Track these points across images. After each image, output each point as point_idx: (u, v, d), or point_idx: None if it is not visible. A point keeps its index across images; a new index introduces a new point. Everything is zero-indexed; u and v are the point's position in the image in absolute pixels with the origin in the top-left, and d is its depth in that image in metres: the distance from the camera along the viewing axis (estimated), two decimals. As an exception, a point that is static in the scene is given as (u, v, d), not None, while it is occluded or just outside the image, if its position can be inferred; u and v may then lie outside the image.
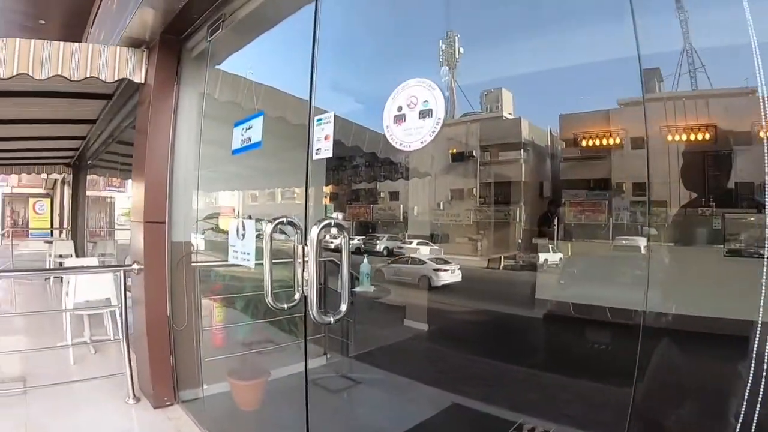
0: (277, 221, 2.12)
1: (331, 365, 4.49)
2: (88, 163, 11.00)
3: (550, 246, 5.82)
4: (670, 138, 3.89)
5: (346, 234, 1.92)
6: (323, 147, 2.19)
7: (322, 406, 2.88)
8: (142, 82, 3.95)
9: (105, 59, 3.78)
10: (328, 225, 1.87)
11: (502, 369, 4.74)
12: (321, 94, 2.49)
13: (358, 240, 8.92)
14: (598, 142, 4.90)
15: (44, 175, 18.84)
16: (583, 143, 5.15)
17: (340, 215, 8.58)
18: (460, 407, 3.97)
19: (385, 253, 8.62)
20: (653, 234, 4.21)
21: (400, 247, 8.52)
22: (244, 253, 2.66)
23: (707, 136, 3.71)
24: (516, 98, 6.74)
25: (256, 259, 2.58)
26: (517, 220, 6.72)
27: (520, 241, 6.68)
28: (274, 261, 2.18)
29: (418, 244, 8.09)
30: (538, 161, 6.65)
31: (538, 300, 5.49)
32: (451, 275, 7.09)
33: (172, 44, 3.88)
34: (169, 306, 3.95)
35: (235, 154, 2.97)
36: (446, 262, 7.24)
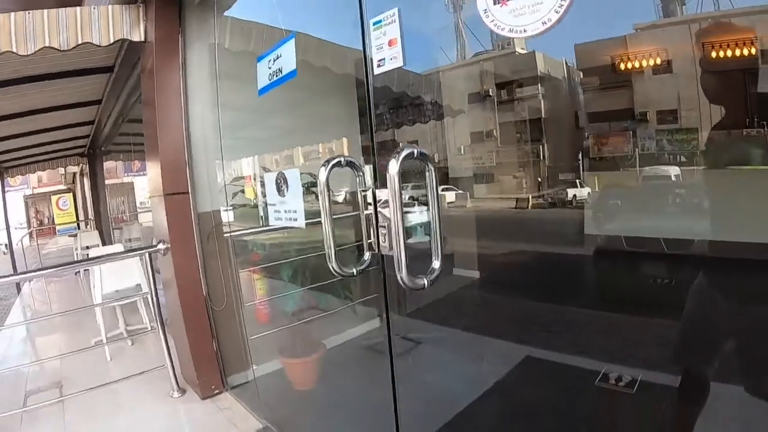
0: (333, 162, 1.66)
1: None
2: (102, 149, 10.79)
3: (576, 181, 5.53)
4: (714, 54, 3.49)
5: (431, 167, 1.48)
6: (388, 56, 1.66)
7: (387, 375, 2.52)
8: (142, 40, 3.49)
9: (97, 21, 3.34)
10: (410, 155, 1.42)
11: (563, 312, 4.39)
12: (343, 31, 2.04)
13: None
14: (616, 70, 4.48)
15: (62, 170, 18.74)
16: (602, 72, 4.73)
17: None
18: (533, 359, 3.63)
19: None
20: (684, 161, 3.93)
21: (425, 195, 8.36)
22: (289, 211, 2.23)
23: (752, 51, 3.27)
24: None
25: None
26: (541, 157, 6.40)
27: (539, 179, 6.40)
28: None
29: (443, 190, 7.87)
30: (565, 93, 6.23)
31: (587, 236, 5.18)
32: (418, 216, 7.26)
33: (170, -8, 3.42)
34: (205, 285, 3.63)
35: (263, 93, 2.49)
36: (413, 204, 7.62)
